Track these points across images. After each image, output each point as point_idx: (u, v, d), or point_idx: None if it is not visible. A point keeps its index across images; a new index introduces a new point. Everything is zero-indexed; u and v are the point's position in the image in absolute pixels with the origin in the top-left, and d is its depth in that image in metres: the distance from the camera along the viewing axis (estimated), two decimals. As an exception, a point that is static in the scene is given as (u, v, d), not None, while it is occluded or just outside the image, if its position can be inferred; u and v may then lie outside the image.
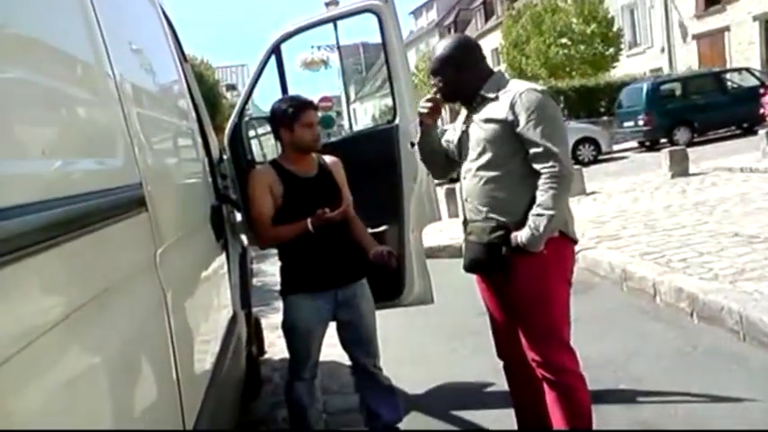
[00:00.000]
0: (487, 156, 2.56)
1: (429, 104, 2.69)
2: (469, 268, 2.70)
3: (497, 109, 2.53)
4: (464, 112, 2.76)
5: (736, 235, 5.80)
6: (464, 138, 2.69)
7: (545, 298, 2.56)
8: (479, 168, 2.58)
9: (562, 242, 2.56)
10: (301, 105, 2.92)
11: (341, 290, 2.94)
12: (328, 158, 3.07)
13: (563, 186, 2.46)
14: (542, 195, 2.44)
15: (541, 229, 2.43)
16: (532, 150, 2.46)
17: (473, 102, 2.66)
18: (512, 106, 2.49)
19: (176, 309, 1.76)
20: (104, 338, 1.27)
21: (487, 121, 2.55)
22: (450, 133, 2.87)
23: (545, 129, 2.45)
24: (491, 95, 2.59)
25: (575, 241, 2.66)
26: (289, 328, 2.96)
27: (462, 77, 2.64)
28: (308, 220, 2.78)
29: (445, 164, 2.87)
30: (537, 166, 2.46)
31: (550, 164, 2.43)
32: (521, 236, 2.46)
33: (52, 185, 1.18)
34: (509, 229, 2.50)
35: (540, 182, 2.45)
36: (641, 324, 4.46)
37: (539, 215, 2.43)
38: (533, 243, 2.45)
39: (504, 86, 2.60)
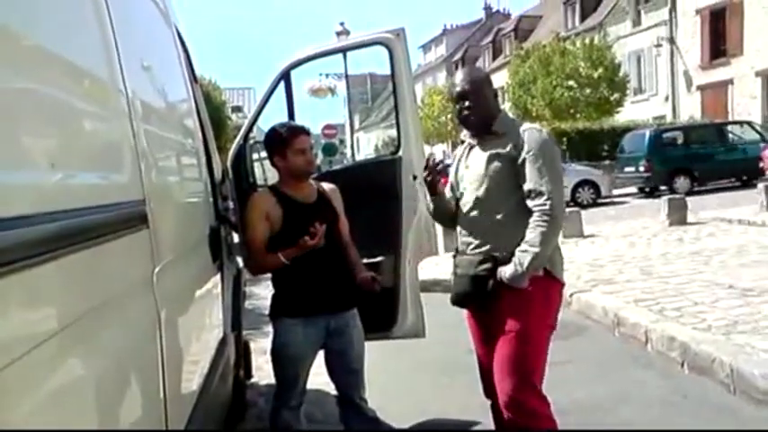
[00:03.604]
0: (488, 190, 2.58)
1: (426, 173, 2.69)
2: (456, 301, 2.71)
3: (503, 145, 2.57)
4: (463, 145, 2.79)
5: (731, 287, 5.80)
6: (464, 171, 2.71)
7: (524, 336, 2.54)
8: (478, 202, 2.61)
9: (549, 283, 2.57)
10: (292, 131, 2.93)
11: (333, 318, 2.93)
12: (327, 186, 3.08)
13: (552, 226, 2.47)
14: (531, 232, 2.46)
15: (525, 265, 2.44)
16: (526, 187, 2.49)
17: (482, 134, 2.67)
18: (516, 143, 2.53)
19: (169, 328, 1.76)
20: (96, 354, 1.28)
21: (493, 156, 2.58)
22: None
23: (542, 167, 2.48)
24: (499, 131, 2.62)
25: (562, 283, 2.66)
26: (278, 352, 2.94)
27: (489, 105, 2.68)
28: (279, 255, 2.78)
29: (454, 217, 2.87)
30: (529, 203, 2.49)
31: (541, 202, 2.46)
32: (505, 271, 2.49)
33: (59, 197, 1.20)
34: (497, 262, 2.52)
35: (531, 219, 2.47)
36: (632, 370, 4.44)
37: (524, 251, 2.45)
38: (516, 279, 2.46)
39: (510, 125, 2.65)
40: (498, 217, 2.56)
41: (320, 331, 2.92)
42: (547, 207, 2.45)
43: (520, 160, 2.51)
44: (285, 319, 2.91)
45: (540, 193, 2.47)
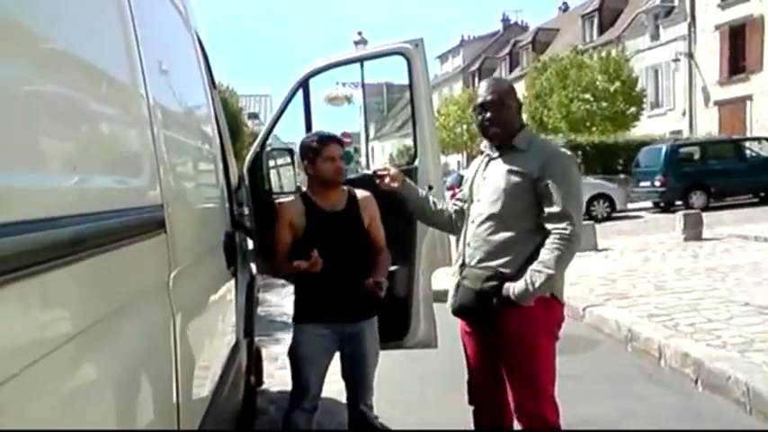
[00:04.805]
0: (502, 206, 2.56)
1: (382, 175, 2.89)
2: (457, 312, 2.72)
3: (526, 163, 2.54)
4: (481, 156, 2.78)
5: (747, 304, 5.75)
6: (480, 182, 2.69)
7: (530, 351, 2.56)
8: (490, 216, 2.58)
9: (551, 301, 2.56)
10: (323, 139, 2.97)
11: (348, 325, 2.95)
12: (360, 193, 3.06)
13: (570, 250, 2.46)
14: (547, 254, 2.44)
15: (537, 285, 2.43)
16: (548, 209, 2.47)
17: (503, 147, 2.64)
18: (542, 164, 2.50)
19: (183, 333, 1.76)
20: (112, 357, 1.28)
21: (513, 172, 2.55)
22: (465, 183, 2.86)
23: (566, 191, 2.47)
24: (521, 147, 2.60)
25: (562, 303, 2.65)
26: (293, 354, 3.00)
27: (511, 118, 2.64)
28: (290, 265, 2.82)
29: (449, 221, 2.93)
30: (549, 226, 2.47)
31: (563, 225, 2.44)
32: (514, 287, 2.47)
33: (79, 200, 1.20)
34: (504, 279, 2.51)
35: (549, 240, 2.45)
36: (643, 386, 4.39)
37: (538, 271, 2.43)
38: (524, 297, 2.45)
39: (533, 142, 2.63)
40: (510, 234, 2.54)
41: (335, 336, 2.94)
42: (568, 232, 2.43)
43: (543, 182, 2.48)
44: (302, 323, 2.97)
45: (563, 218, 2.45)
